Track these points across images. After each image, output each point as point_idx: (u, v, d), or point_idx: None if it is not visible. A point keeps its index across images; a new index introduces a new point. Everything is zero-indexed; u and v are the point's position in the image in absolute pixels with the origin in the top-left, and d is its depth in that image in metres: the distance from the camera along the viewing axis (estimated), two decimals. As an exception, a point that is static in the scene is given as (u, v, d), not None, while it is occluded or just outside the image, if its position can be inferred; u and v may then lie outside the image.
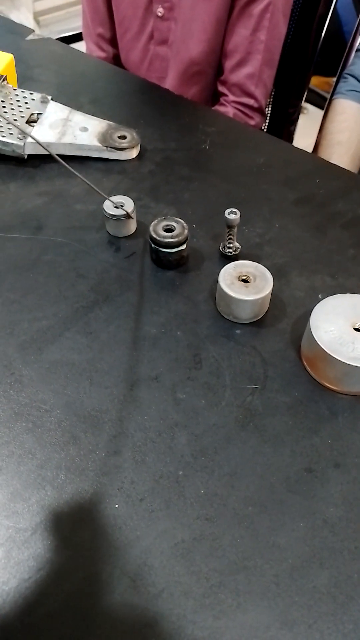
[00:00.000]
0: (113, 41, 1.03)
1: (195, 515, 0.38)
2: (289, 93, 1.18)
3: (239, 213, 0.51)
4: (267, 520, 0.38)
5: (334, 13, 1.09)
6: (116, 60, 1.05)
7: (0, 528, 0.37)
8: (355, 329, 0.44)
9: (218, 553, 0.36)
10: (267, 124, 1.23)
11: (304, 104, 1.26)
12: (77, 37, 1.50)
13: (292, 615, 0.34)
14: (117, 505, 0.38)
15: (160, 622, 0.33)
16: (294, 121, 1.25)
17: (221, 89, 0.97)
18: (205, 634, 0.33)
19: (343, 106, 1.01)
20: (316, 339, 0.43)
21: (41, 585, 0.35)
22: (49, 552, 0.36)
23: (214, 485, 0.39)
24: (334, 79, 1.13)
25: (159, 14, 0.90)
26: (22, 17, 2.14)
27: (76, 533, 0.37)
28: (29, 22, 2.16)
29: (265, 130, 1.23)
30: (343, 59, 1.12)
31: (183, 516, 0.38)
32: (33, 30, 0.92)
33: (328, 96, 1.12)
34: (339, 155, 0.96)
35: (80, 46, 1.10)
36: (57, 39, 0.94)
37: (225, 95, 0.96)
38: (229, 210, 0.51)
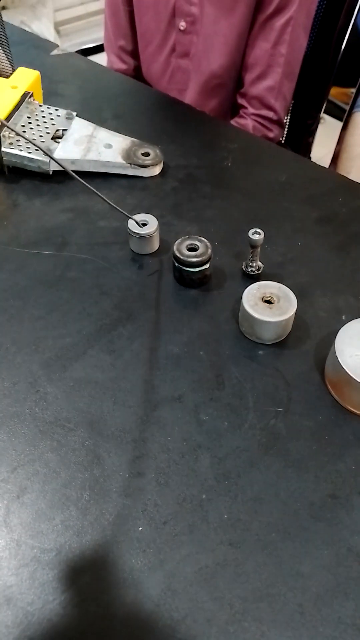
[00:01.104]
0: (134, 53, 1.04)
1: (219, 541, 0.38)
2: (308, 105, 1.19)
3: (263, 233, 0.51)
4: (290, 547, 0.38)
5: (354, 25, 1.09)
6: (137, 72, 1.07)
7: (26, 548, 0.37)
8: (381, 354, 0.44)
9: (242, 579, 0.36)
10: (285, 135, 1.23)
11: (322, 115, 1.27)
12: (99, 49, 1.52)
13: (317, 646, 0.34)
14: (140, 528, 0.38)
15: (183, 649, 0.33)
16: (312, 132, 1.25)
17: (241, 101, 0.97)
18: (229, 662, 0.33)
19: (363, 120, 1.01)
20: (341, 363, 0.43)
21: (65, 608, 0.35)
22: (73, 574, 0.36)
23: (237, 510, 0.39)
24: (353, 90, 1.12)
25: (181, 28, 0.91)
26: (43, 27, 2.17)
27: (100, 555, 0.37)
28: (50, 32, 2.19)
29: (283, 141, 1.23)
30: (363, 72, 1.12)
31: (206, 541, 0.38)
32: (57, 45, 0.93)
33: (346, 107, 1.12)
34: (358, 168, 0.96)
35: (102, 57, 1.12)
36: (78, 50, 0.95)
37: (245, 107, 0.97)
38: (252, 230, 0.51)
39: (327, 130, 1.40)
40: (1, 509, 0.39)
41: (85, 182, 0.47)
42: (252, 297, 0.49)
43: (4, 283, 0.55)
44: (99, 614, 0.35)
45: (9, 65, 0.78)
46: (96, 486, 0.40)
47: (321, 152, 1.33)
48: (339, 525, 0.39)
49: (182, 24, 0.90)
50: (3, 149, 0.64)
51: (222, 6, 0.85)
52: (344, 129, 1.05)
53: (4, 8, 2.12)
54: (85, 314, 0.52)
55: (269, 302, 0.49)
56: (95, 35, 2.28)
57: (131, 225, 0.56)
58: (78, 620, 0.34)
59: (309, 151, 1.27)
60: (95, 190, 0.48)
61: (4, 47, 0.77)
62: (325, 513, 0.39)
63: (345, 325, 0.46)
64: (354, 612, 0.35)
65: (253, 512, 0.39)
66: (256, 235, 0.51)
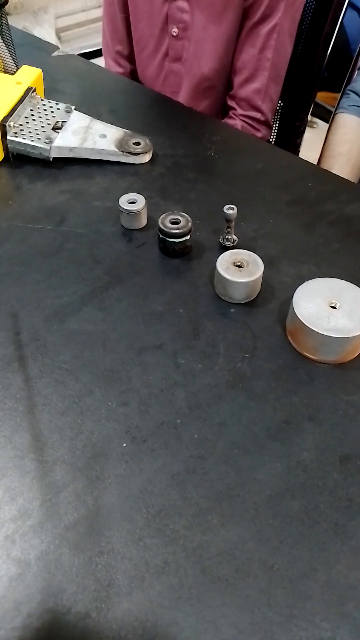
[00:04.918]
0: (130, 58, 1.12)
1: (190, 454, 0.45)
2: (296, 107, 1.26)
3: (236, 208, 0.58)
4: (249, 460, 0.45)
5: (342, 31, 1.17)
6: (133, 75, 1.14)
7: (27, 460, 0.45)
8: (331, 307, 0.51)
9: (207, 484, 0.43)
10: (274, 136, 1.31)
11: (314, 119, 1.33)
12: (97, 53, 1.60)
13: (267, 534, 0.41)
14: (124, 445, 0.45)
15: (157, 535, 0.41)
16: (300, 134, 1.33)
17: (230, 103, 1.04)
18: (194, 545, 0.40)
19: (345, 120, 1.09)
20: (297, 314, 0.50)
21: (61, 504, 0.42)
22: (68, 480, 0.43)
23: (205, 432, 0.46)
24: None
25: (174, 34, 0.98)
26: (45, 33, 2.26)
27: (91, 465, 0.44)
28: (51, 38, 2.27)
29: (273, 142, 1.30)
30: (347, 76, 1.20)
31: (179, 454, 0.45)
32: (58, 47, 1.01)
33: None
34: (339, 165, 1.03)
35: (100, 62, 1.20)
36: (78, 54, 1.03)
37: (234, 108, 1.04)
38: (227, 206, 0.59)
39: (319, 135, 1.47)
40: (8, 431, 0.46)
41: None
42: (225, 262, 0.56)
43: (9, 252, 0.62)
44: (89, 508, 0.42)
45: (14, 64, 0.86)
46: (88, 413, 0.48)
47: (313, 155, 1.39)
48: (291, 444, 0.46)
49: (175, 30, 0.98)
50: (8, 137, 0.71)
51: (211, 14, 0.93)
52: (329, 129, 1.13)
53: (7, 14, 2.21)
54: (80, 279, 0.60)
55: (239, 266, 0.56)
56: (94, 41, 2.37)
57: (122, 203, 0.63)
58: (72, 513, 0.42)
59: (297, 152, 1.34)
60: None
61: (9, 47, 0.85)
62: (279, 435, 0.46)
63: (303, 284, 0.53)
64: (298, 509, 0.42)
65: (219, 434, 0.46)
66: (230, 210, 0.59)
